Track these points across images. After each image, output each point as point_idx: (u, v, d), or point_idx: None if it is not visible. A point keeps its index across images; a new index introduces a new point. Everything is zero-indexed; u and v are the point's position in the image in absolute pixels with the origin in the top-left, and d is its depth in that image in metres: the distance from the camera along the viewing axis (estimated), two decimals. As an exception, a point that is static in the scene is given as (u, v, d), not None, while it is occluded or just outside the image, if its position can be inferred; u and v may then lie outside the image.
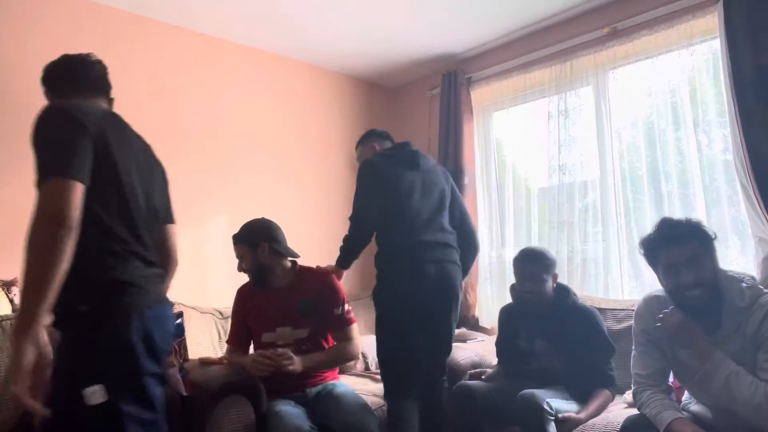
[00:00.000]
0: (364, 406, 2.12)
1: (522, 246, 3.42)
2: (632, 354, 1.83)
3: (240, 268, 2.24)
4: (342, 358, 2.17)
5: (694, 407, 1.79)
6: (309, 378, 2.22)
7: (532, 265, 2.29)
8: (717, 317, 1.63)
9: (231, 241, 2.25)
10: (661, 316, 1.65)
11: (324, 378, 2.27)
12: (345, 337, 2.19)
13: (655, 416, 1.65)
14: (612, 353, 2.24)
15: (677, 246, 1.63)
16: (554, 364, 2.25)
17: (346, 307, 2.25)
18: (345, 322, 2.22)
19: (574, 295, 2.35)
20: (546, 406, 1.99)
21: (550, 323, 2.27)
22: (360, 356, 2.11)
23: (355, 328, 2.23)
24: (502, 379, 2.39)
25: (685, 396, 1.87)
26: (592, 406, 2.11)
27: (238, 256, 2.24)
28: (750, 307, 1.59)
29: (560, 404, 2.07)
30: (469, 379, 2.46)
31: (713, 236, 1.66)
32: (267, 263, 2.21)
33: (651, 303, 1.78)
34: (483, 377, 2.43)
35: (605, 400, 2.16)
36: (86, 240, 1.23)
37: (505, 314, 2.52)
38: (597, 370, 2.20)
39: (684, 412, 1.72)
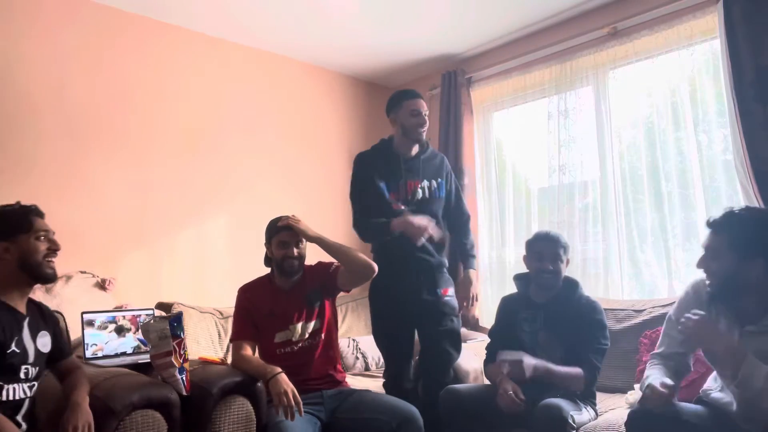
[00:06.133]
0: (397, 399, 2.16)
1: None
2: (661, 333, 1.88)
3: (291, 255, 2.21)
4: (354, 253, 2.18)
5: (715, 394, 1.79)
6: (322, 378, 2.21)
7: (552, 243, 2.23)
8: (763, 306, 1.64)
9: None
10: (683, 320, 1.67)
11: (339, 382, 2.26)
12: None
13: (644, 380, 1.73)
14: (605, 347, 2.18)
15: (711, 232, 1.71)
16: (553, 360, 2.15)
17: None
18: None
19: (582, 289, 2.29)
20: (570, 420, 1.91)
21: (553, 314, 2.21)
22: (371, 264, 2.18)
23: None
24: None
25: (707, 383, 1.87)
26: (563, 368, 2.08)
27: (296, 242, 2.23)
28: None
29: (582, 417, 2.01)
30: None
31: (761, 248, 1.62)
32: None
33: (699, 288, 1.78)
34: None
35: (573, 376, 2.09)
36: None
37: (506, 304, 2.41)
38: (584, 356, 2.12)
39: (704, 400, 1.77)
